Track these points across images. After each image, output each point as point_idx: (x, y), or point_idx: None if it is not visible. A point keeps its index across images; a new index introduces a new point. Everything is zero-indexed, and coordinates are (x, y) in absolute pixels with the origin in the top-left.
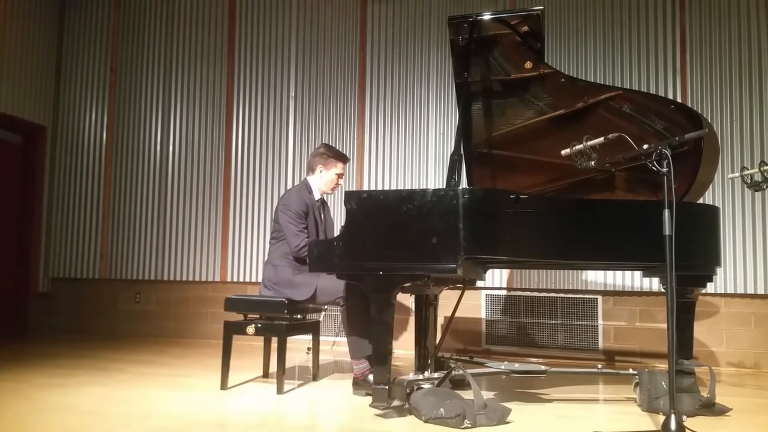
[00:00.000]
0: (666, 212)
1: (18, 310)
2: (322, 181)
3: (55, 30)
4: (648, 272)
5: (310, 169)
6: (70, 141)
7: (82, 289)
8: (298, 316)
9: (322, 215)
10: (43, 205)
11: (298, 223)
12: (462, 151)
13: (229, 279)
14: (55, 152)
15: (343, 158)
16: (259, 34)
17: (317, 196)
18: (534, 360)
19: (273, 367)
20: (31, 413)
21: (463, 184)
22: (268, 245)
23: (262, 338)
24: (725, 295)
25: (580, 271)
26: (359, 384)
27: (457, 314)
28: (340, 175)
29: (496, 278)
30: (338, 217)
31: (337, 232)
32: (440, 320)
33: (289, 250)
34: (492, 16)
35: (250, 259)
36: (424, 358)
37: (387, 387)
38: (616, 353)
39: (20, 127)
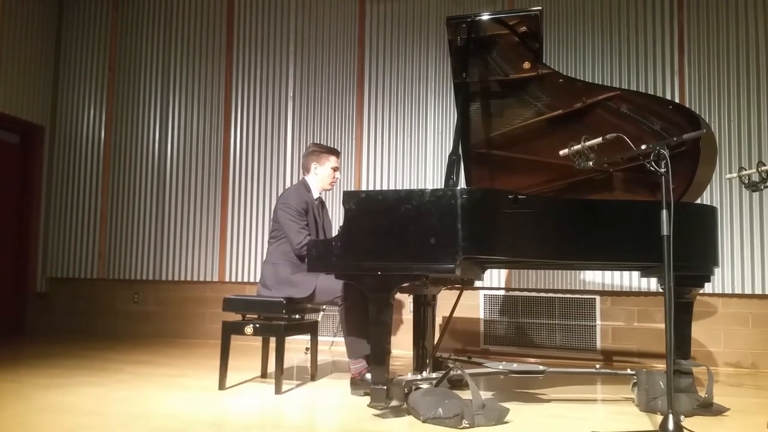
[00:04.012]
0: (664, 212)
1: (16, 311)
2: (319, 177)
3: (53, 29)
4: (646, 272)
5: (305, 169)
6: (68, 141)
7: (80, 289)
8: (297, 316)
9: (321, 214)
10: (41, 205)
11: (299, 220)
12: (460, 151)
13: (227, 279)
14: (53, 152)
15: (334, 152)
16: (258, 34)
17: (316, 195)
18: (532, 360)
19: (271, 367)
20: (29, 413)
21: (462, 184)
22: (266, 245)
23: (260, 338)
24: (723, 295)
25: (578, 272)
26: (357, 384)
27: (455, 314)
28: (335, 169)
29: (494, 278)
30: (337, 217)
31: (335, 232)
32: (438, 320)
33: (290, 249)
34: (490, 17)
35: (248, 259)
36: (422, 358)
37: (385, 387)
38: (614, 353)
39: (18, 126)
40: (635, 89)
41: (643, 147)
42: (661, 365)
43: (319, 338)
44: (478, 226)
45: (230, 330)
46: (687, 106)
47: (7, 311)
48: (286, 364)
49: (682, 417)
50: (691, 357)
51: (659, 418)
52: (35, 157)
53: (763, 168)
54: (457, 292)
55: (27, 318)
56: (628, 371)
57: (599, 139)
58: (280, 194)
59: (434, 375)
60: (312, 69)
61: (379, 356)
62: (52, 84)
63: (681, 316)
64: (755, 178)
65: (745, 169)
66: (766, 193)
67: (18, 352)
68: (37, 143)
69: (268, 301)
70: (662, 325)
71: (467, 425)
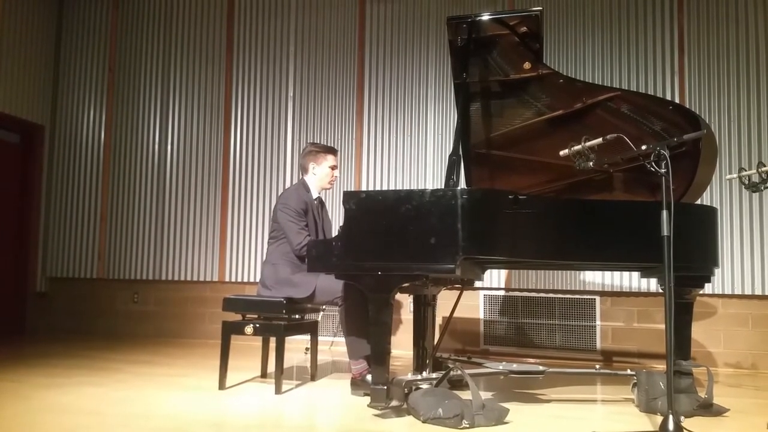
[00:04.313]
0: (664, 213)
1: (16, 310)
2: (318, 177)
3: (53, 29)
4: (646, 273)
5: (304, 170)
6: (68, 140)
7: (80, 288)
8: (297, 316)
9: (321, 214)
10: (41, 205)
11: (298, 221)
12: (460, 152)
13: (227, 279)
14: (53, 152)
15: (331, 150)
16: (258, 34)
17: (315, 195)
18: (532, 360)
19: (271, 367)
20: (29, 413)
21: (462, 184)
22: (266, 245)
23: (260, 338)
24: (723, 295)
25: (578, 272)
26: (357, 384)
27: (455, 314)
28: (333, 167)
29: (494, 278)
30: (337, 217)
31: (335, 233)
32: (438, 320)
33: (290, 249)
34: (491, 17)
35: (248, 259)
36: (422, 358)
37: (385, 387)
38: (614, 354)
39: (18, 126)
40: (635, 90)
41: (644, 147)
42: (661, 366)
43: (319, 338)
44: (478, 227)
45: (230, 330)
46: (687, 106)
47: (6, 311)
48: (286, 364)
49: (682, 417)
50: (691, 357)
51: (659, 418)
52: (35, 157)
53: (763, 169)
54: (457, 292)
55: (27, 318)
56: (628, 372)
57: (599, 140)
58: (279, 195)
59: (434, 375)
60: (312, 70)
61: (379, 356)
62: (52, 84)
63: (681, 317)
64: (755, 178)
65: (745, 170)
66: (766, 194)
67: (18, 352)
68: (37, 143)
69: (268, 301)
70: (662, 326)
71: (467, 425)
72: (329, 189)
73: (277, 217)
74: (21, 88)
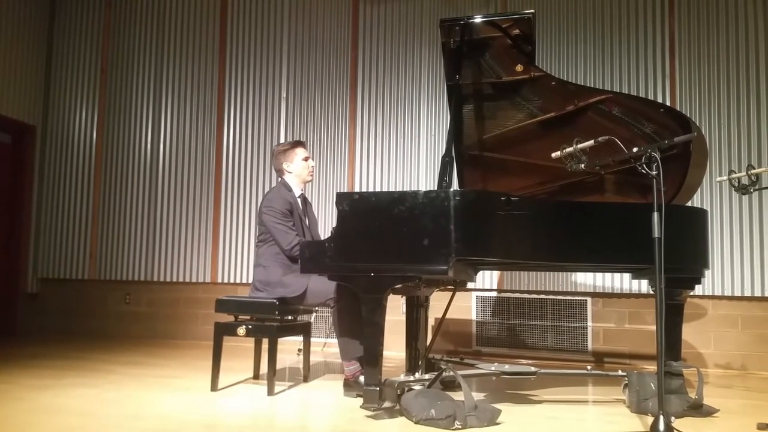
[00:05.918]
0: (655, 215)
1: (7, 311)
2: (294, 173)
3: (45, 29)
4: (637, 274)
5: (279, 172)
6: (59, 141)
7: (72, 289)
8: (289, 318)
9: (306, 211)
10: (32, 205)
11: (284, 222)
12: (453, 153)
13: (219, 280)
14: (45, 152)
15: (298, 143)
16: (251, 35)
17: (297, 193)
18: (524, 361)
19: (263, 368)
20: (20, 414)
21: (455, 186)
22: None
23: (252, 339)
24: (713, 297)
25: (569, 273)
26: (350, 385)
27: (447, 316)
28: (306, 159)
29: (487, 280)
30: (329, 217)
31: (322, 231)
32: (431, 322)
33: (280, 250)
34: (483, 19)
35: (240, 261)
36: (415, 359)
37: (378, 388)
38: (606, 355)
39: (9, 126)
40: (627, 92)
41: (635, 150)
42: (651, 367)
43: (312, 339)
44: (471, 228)
45: (222, 331)
46: (678, 109)
47: None
48: (279, 366)
49: (672, 418)
50: (682, 358)
51: (650, 419)
52: (26, 157)
53: (753, 171)
54: (450, 293)
55: (18, 319)
56: (619, 373)
57: (591, 142)
58: (262, 198)
59: (427, 376)
60: (305, 70)
61: (372, 357)
62: (44, 84)
63: (671, 318)
64: (745, 181)
65: (735, 173)
66: (755, 196)
67: (9, 353)
68: (28, 143)
69: (260, 302)
70: (653, 327)
71: (459, 426)
72: (310, 181)
73: (263, 220)
74: (12, 88)
